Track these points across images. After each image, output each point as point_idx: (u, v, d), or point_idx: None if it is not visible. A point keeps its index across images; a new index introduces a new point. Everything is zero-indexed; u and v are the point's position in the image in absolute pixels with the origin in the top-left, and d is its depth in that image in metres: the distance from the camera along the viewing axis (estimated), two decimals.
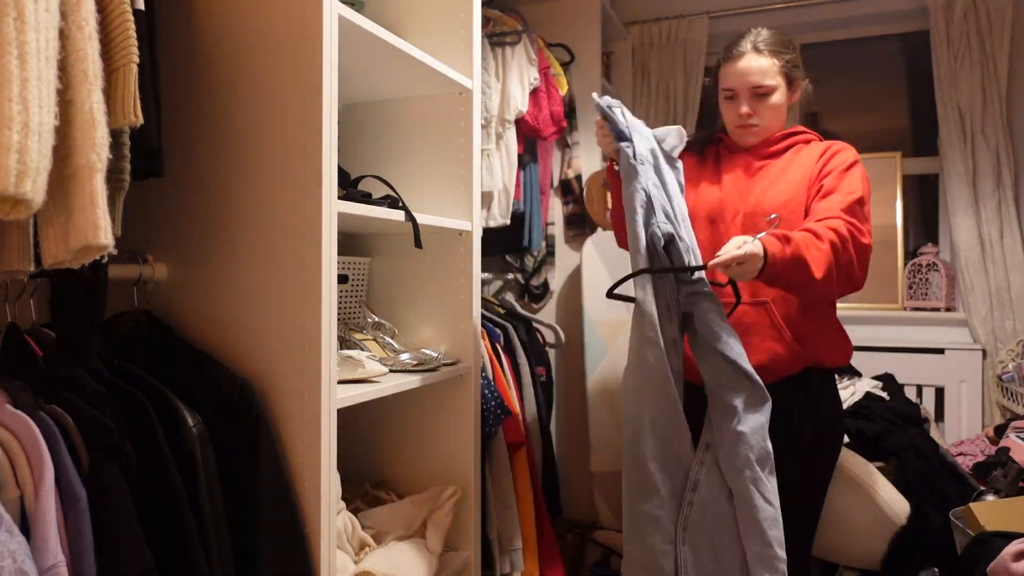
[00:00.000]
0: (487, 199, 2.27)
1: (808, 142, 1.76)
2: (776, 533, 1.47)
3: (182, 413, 1.08)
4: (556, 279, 2.84)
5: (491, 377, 1.92)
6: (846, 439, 2.14)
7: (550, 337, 2.62)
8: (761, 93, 1.71)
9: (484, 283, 2.45)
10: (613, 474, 2.57)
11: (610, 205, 2.84)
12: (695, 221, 1.73)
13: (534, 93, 2.37)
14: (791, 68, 1.72)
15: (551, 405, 2.48)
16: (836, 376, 2.48)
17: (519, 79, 2.29)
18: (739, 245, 1.44)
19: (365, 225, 1.59)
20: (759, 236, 1.48)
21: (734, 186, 1.74)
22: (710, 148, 1.85)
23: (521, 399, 2.15)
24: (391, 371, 1.52)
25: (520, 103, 2.26)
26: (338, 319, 1.52)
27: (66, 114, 0.82)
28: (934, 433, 2.43)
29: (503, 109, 2.26)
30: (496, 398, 1.85)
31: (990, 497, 1.82)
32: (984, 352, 2.80)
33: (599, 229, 2.78)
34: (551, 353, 2.65)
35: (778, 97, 1.72)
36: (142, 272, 1.26)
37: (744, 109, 1.72)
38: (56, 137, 0.80)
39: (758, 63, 1.70)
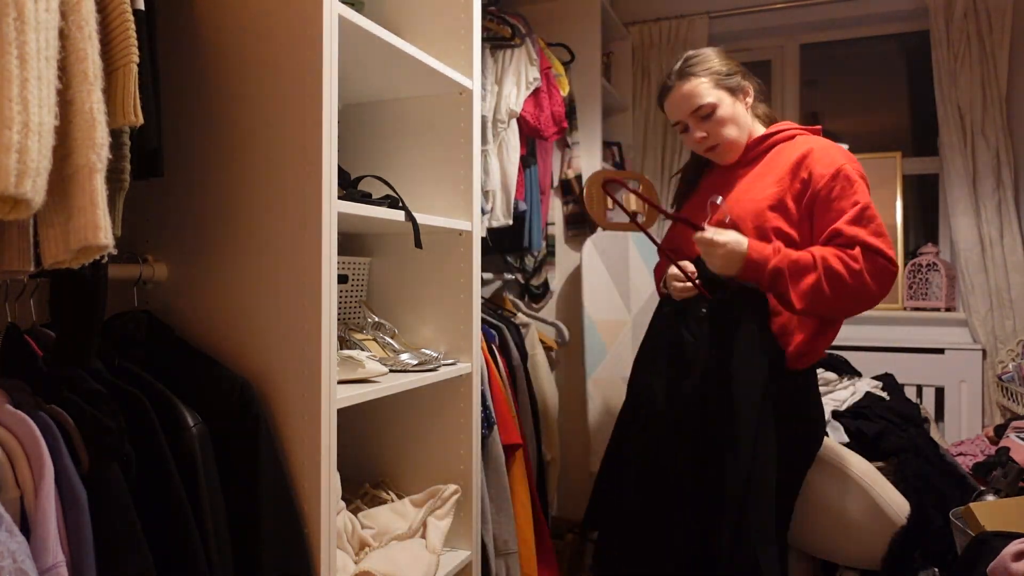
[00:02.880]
0: (485, 198, 2.27)
1: (791, 138, 1.72)
2: None
3: (182, 413, 1.08)
4: (556, 279, 2.84)
5: (487, 379, 1.92)
6: (846, 439, 2.14)
7: (549, 333, 2.62)
8: (704, 115, 1.71)
9: (484, 283, 2.45)
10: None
11: (610, 206, 2.85)
12: (678, 236, 1.78)
13: (535, 94, 2.37)
14: (724, 78, 1.71)
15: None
16: (835, 376, 2.50)
17: (515, 80, 2.29)
18: (720, 232, 1.56)
19: (365, 225, 1.59)
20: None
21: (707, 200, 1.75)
22: (705, 172, 1.85)
23: (516, 401, 2.15)
24: (391, 371, 1.52)
25: (513, 103, 2.26)
26: (338, 319, 1.52)
27: (66, 114, 0.82)
28: (934, 433, 2.44)
29: (497, 109, 2.26)
30: (487, 407, 1.86)
31: (990, 497, 1.82)
32: (984, 352, 2.80)
33: (599, 229, 2.78)
34: (552, 352, 2.65)
35: (724, 110, 1.70)
36: (142, 272, 1.26)
37: (698, 135, 1.74)
38: (56, 137, 0.80)
39: (688, 87, 1.71)
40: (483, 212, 2.21)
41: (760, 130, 1.76)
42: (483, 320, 2.18)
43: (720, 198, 1.65)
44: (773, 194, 1.63)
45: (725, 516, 1.59)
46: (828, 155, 1.62)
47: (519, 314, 2.53)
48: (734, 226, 1.63)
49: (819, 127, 1.76)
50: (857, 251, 1.54)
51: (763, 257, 1.55)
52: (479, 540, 1.72)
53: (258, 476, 1.14)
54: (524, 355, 2.35)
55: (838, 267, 1.52)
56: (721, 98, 1.70)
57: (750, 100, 1.74)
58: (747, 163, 1.74)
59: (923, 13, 2.98)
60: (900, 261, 3.08)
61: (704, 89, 1.70)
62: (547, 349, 2.60)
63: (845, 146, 1.72)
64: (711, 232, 1.57)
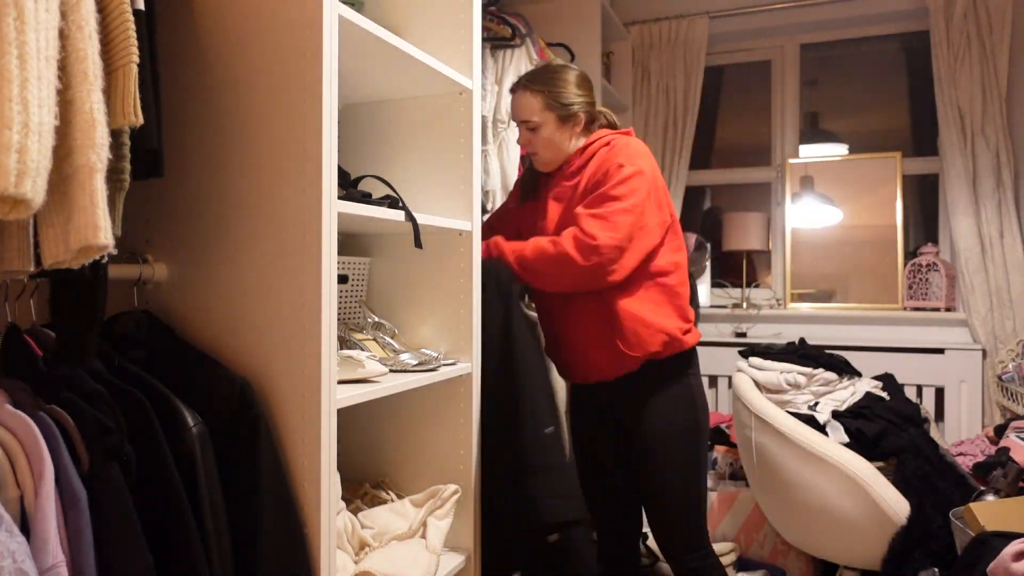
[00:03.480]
0: (485, 199, 2.27)
1: (607, 144, 1.79)
2: None
3: (182, 413, 1.08)
4: None
5: None
6: (846, 439, 2.14)
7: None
8: (530, 128, 1.81)
9: None
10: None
11: None
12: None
13: None
14: (558, 106, 1.78)
15: None
16: (835, 376, 2.49)
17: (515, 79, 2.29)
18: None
19: (365, 225, 1.59)
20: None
21: (544, 212, 1.84)
22: (542, 181, 1.92)
23: None
24: (391, 371, 1.52)
25: None
26: (338, 319, 1.52)
27: (66, 114, 0.82)
28: (934, 433, 2.44)
29: (497, 109, 2.26)
30: None
31: (990, 497, 1.82)
32: (984, 352, 2.80)
33: None
34: None
35: (547, 131, 1.79)
36: (142, 272, 1.26)
37: (522, 139, 1.85)
38: (56, 137, 0.80)
39: (522, 100, 1.81)
40: (483, 212, 2.21)
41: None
42: None
43: None
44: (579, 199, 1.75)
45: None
46: (620, 151, 1.74)
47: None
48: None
49: (629, 129, 1.87)
50: (573, 230, 1.67)
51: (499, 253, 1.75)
52: (479, 540, 1.72)
53: (258, 476, 1.14)
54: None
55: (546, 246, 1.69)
56: (547, 120, 1.79)
57: (578, 129, 1.82)
58: (567, 176, 1.82)
59: (923, 13, 2.98)
60: (900, 261, 3.08)
61: (534, 107, 1.79)
62: None
63: (630, 139, 1.81)
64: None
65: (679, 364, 1.76)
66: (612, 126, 1.89)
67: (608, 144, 1.79)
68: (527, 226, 1.88)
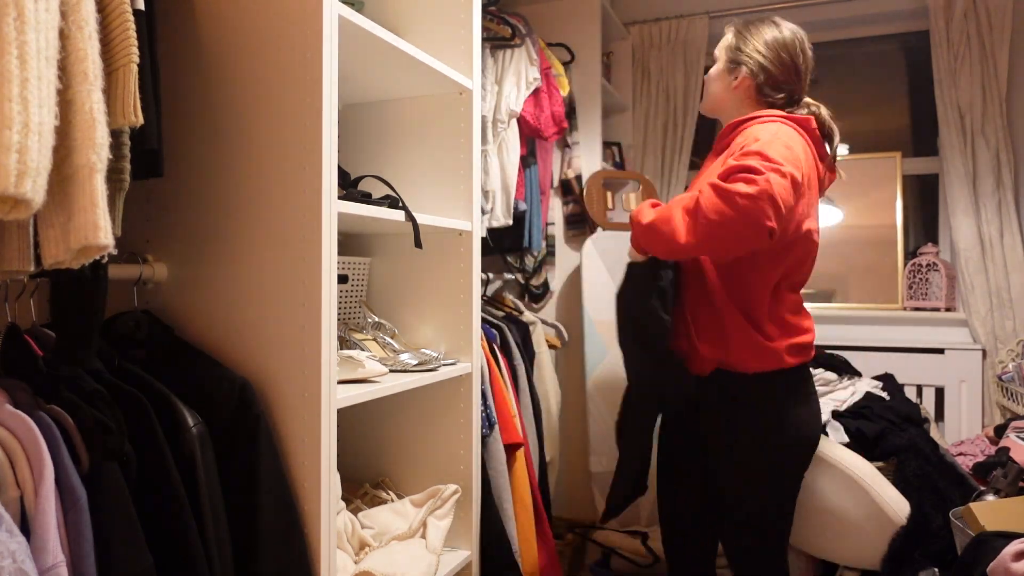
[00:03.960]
0: (485, 199, 2.27)
1: (756, 121, 1.66)
2: None
3: (182, 413, 1.08)
4: (556, 279, 2.84)
5: (487, 380, 1.92)
6: (846, 439, 2.14)
7: (550, 333, 2.62)
8: (708, 65, 1.80)
9: (484, 283, 2.45)
10: (613, 474, 2.57)
11: (610, 205, 2.85)
12: None
13: (535, 93, 2.37)
14: (734, 52, 1.71)
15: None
16: (835, 377, 2.49)
17: (515, 80, 2.29)
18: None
19: (365, 225, 1.59)
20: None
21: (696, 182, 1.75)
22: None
23: (518, 401, 2.15)
24: (391, 371, 1.52)
25: (513, 103, 2.26)
26: (338, 319, 1.52)
27: (66, 114, 0.82)
28: (934, 433, 2.43)
29: (497, 109, 2.26)
30: (487, 406, 1.86)
31: (990, 497, 1.82)
32: (984, 352, 2.80)
33: (599, 229, 2.78)
34: (552, 353, 2.65)
35: (713, 73, 1.76)
36: (142, 272, 1.26)
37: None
38: (56, 137, 0.80)
39: (723, 38, 1.77)
40: (483, 212, 2.21)
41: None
42: (484, 320, 2.18)
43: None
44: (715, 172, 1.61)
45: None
46: (761, 129, 1.60)
47: (526, 312, 2.53)
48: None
49: (808, 118, 1.70)
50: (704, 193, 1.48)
51: (638, 215, 1.62)
52: (479, 540, 1.72)
53: (258, 476, 1.14)
54: (531, 354, 2.35)
55: (700, 196, 1.48)
56: (721, 63, 1.74)
57: (737, 84, 1.71)
58: (717, 149, 1.75)
59: (923, 13, 2.98)
60: (900, 261, 3.08)
61: (724, 47, 1.74)
62: (549, 347, 2.60)
63: (779, 124, 1.64)
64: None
65: None
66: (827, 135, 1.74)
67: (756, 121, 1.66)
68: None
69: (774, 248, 1.54)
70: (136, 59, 0.93)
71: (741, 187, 1.41)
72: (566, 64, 2.76)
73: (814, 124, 1.68)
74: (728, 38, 1.74)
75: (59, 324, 1.07)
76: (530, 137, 2.46)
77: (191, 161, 1.29)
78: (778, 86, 1.69)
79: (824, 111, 1.74)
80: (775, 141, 1.52)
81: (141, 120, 0.93)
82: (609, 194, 2.86)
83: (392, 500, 1.64)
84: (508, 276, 2.66)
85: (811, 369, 2.42)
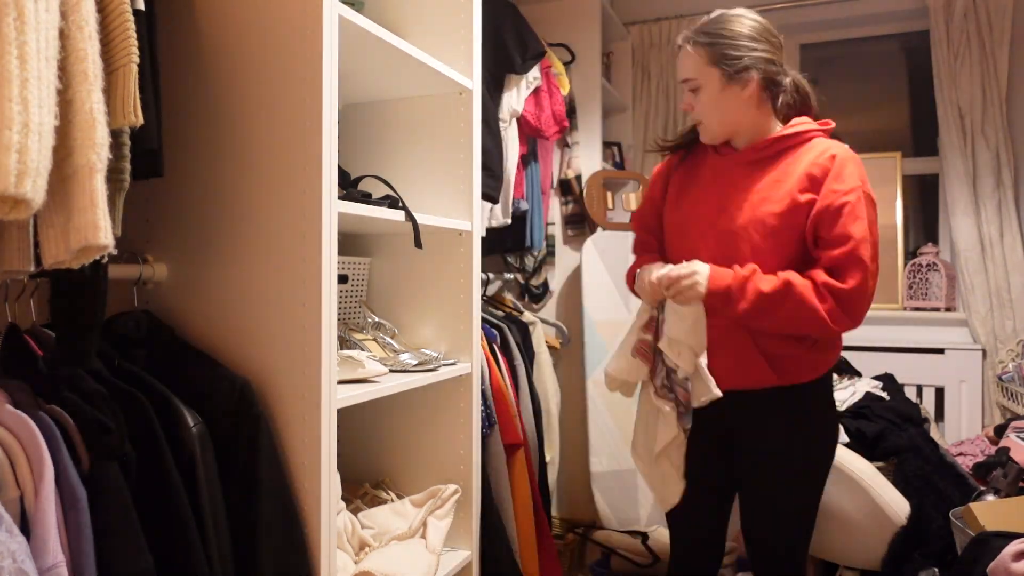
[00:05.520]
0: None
1: (808, 140, 1.55)
2: None
3: (182, 413, 1.08)
4: (556, 279, 2.84)
5: (488, 380, 1.92)
6: (846, 439, 2.14)
7: (550, 333, 2.62)
8: (692, 88, 1.56)
9: (484, 283, 2.45)
10: (613, 474, 2.57)
11: (610, 205, 2.85)
12: (668, 230, 1.66)
13: (536, 93, 2.37)
14: (722, 59, 1.51)
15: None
16: (835, 377, 2.49)
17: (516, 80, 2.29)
18: (685, 274, 1.48)
19: (365, 225, 1.59)
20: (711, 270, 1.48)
21: (708, 199, 1.59)
22: (700, 149, 1.68)
23: (518, 401, 2.15)
24: (391, 371, 1.52)
25: (515, 103, 2.26)
26: (338, 319, 1.52)
27: (66, 114, 0.82)
28: (934, 433, 2.43)
29: (498, 109, 2.25)
30: (487, 406, 1.86)
31: (990, 497, 1.82)
32: (984, 352, 2.80)
33: (599, 229, 2.78)
34: (552, 353, 2.65)
35: (710, 92, 1.53)
36: (142, 272, 1.26)
37: (684, 104, 1.60)
38: (56, 137, 0.80)
39: (685, 57, 1.57)
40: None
41: (776, 128, 1.58)
42: (485, 320, 2.18)
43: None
44: (785, 206, 1.50)
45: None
46: (847, 169, 1.48)
47: (526, 312, 2.53)
48: (734, 236, 1.53)
49: (830, 124, 1.61)
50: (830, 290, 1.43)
51: (723, 289, 1.47)
52: (479, 540, 1.72)
53: (258, 476, 1.14)
54: (531, 354, 2.35)
55: (809, 300, 1.43)
56: (711, 78, 1.53)
57: (748, 90, 1.53)
58: (749, 163, 1.57)
59: (923, 13, 2.98)
60: (900, 261, 3.08)
61: (699, 63, 1.53)
62: (549, 347, 2.60)
63: (845, 146, 1.57)
64: (668, 268, 1.52)
65: None
66: (804, 99, 1.61)
67: (808, 141, 1.55)
68: (674, 217, 1.66)
69: None
70: (136, 59, 0.93)
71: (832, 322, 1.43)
72: (566, 64, 2.76)
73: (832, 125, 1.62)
74: (700, 53, 1.54)
75: (59, 324, 1.07)
76: (530, 136, 2.46)
77: (191, 161, 1.29)
78: (778, 75, 1.58)
79: (799, 78, 1.64)
80: (866, 202, 1.47)
81: (141, 120, 0.93)
82: (609, 194, 2.86)
83: (392, 500, 1.64)
84: (508, 276, 2.66)
85: None
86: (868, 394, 2.40)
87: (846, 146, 1.56)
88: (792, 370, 1.53)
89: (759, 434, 1.59)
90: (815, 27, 3.27)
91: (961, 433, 2.78)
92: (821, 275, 1.45)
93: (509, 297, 2.61)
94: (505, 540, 1.82)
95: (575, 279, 2.81)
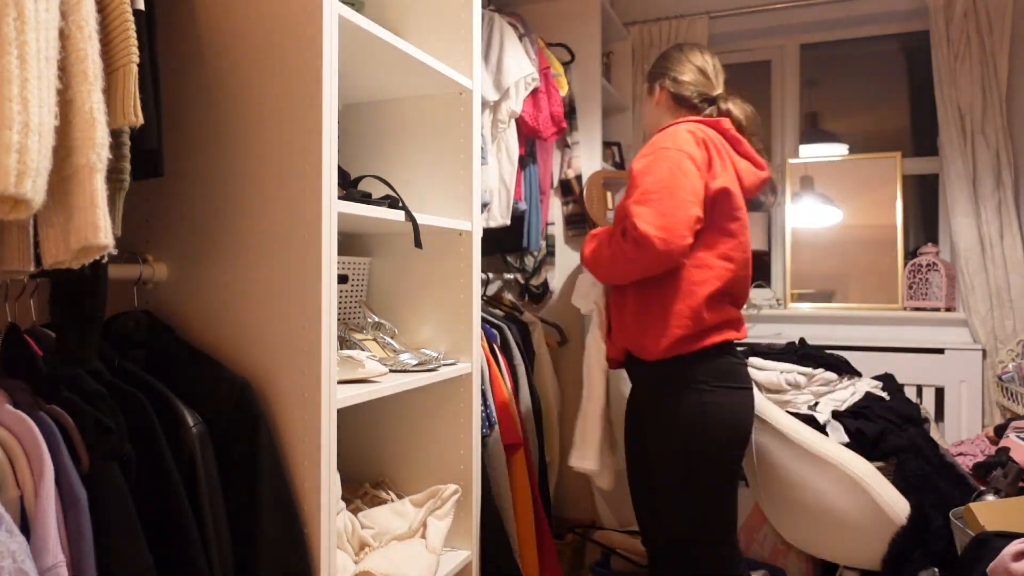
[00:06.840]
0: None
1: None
2: None
3: (182, 413, 1.08)
4: (556, 279, 2.84)
5: (488, 380, 1.92)
6: (846, 439, 2.14)
7: (548, 334, 2.62)
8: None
9: (484, 283, 2.45)
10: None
11: (610, 205, 2.84)
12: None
13: (534, 94, 2.37)
14: (648, 76, 1.94)
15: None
16: (835, 376, 2.49)
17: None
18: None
19: (365, 225, 1.59)
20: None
21: None
22: None
23: (517, 401, 2.15)
24: (391, 371, 1.52)
25: (513, 103, 2.26)
26: (338, 319, 1.52)
27: (66, 114, 0.82)
28: (934, 433, 2.43)
29: (498, 109, 2.25)
30: (487, 406, 1.86)
31: (990, 497, 1.82)
32: (984, 352, 2.80)
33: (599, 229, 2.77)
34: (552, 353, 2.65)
35: (642, 103, 2.05)
36: (142, 272, 1.26)
37: None
38: (56, 137, 0.80)
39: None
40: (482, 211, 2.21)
41: None
42: (485, 320, 2.18)
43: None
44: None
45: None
46: (659, 137, 1.72)
47: (526, 312, 2.53)
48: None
49: (717, 120, 1.79)
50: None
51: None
52: (479, 540, 1.72)
53: (258, 476, 1.14)
54: (531, 354, 2.35)
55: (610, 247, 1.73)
56: (643, 91, 1.97)
57: (656, 102, 1.89)
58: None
59: (923, 13, 2.98)
60: (900, 261, 3.08)
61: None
62: (549, 347, 2.60)
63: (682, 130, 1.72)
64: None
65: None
66: (736, 122, 1.83)
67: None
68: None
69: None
70: (136, 59, 0.93)
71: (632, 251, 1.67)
72: (566, 64, 2.76)
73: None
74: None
75: (59, 324, 1.07)
76: (529, 137, 2.46)
77: (191, 161, 1.29)
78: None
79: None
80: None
81: (141, 120, 0.93)
82: (609, 194, 2.85)
83: (392, 500, 1.64)
84: (508, 276, 2.66)
85: (812, 369, 2.44)
86: (868, 394, 2.40)
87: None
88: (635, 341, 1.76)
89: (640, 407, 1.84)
90: (815, 27, 3.27)
91: (961, 433, 2.78)
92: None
93: (509, 297, 2.61)
94: (505, 540, 1.82)
95: (575, 279, 2.81)
